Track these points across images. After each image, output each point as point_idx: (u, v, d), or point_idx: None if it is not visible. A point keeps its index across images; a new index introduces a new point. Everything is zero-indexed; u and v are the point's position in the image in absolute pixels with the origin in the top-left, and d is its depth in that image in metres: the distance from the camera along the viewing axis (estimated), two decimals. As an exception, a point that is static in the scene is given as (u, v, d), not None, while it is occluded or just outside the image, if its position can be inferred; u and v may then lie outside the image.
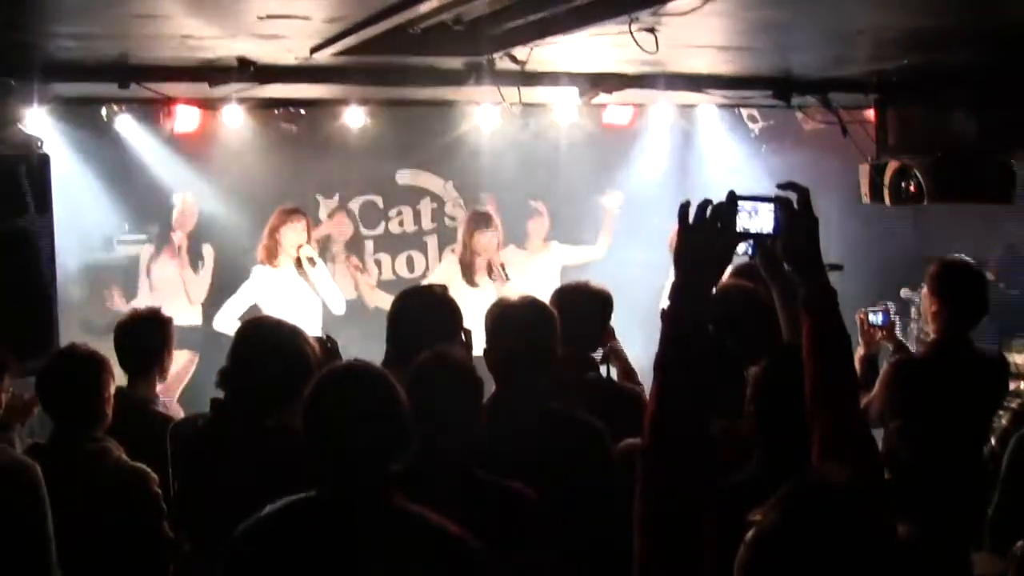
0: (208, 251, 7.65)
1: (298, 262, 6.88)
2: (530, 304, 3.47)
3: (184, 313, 7.21)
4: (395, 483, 2.51)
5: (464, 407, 2.89)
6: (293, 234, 6.88)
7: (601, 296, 3.98)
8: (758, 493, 1.61)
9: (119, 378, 4.11)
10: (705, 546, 1.86)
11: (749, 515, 1.57)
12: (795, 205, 2.22)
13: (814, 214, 2.22)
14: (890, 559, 1.51)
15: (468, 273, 7.20)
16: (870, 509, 1.54)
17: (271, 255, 6.92)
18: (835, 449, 2.07)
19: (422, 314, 3.64)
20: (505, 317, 3.41)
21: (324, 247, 7.58)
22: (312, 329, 6.73)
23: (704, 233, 2.09)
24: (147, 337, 4.40)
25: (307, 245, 6.93)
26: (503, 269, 7.13)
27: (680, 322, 2.03)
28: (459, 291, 7.03)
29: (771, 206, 2.19)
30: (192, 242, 7.62)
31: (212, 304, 7.34)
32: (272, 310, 6.77)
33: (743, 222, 2.16)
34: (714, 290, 2.14)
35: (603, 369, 4.01)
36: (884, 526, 1.54)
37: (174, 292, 7.43)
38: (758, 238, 2.22)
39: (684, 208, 2.11)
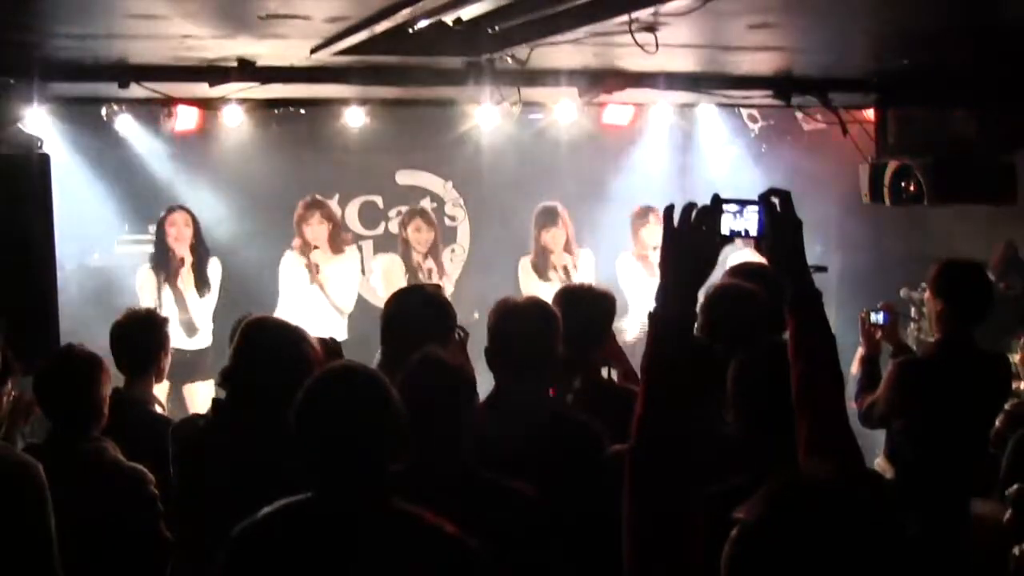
0: (215, 265, 7.02)
1: (312, 267, 7.09)
2: (533, 305, 3.51)
3: (190, 337, 6.85)
4: (393, 484, 2.51)
5: (456, 408, 2.89)
6: (310, 228, 7.11)
7: (605, 298, 3.98)
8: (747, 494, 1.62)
9: (116, 379, 4.11)
10: (693, 546, 1.86)
11: (734, 512, 1.57)
12: (778, 207, 2.23)
13: (797, 215, 2.24)
14: (875, 553, 1.52)
15: (541, 270, 7.42)
16: (854, 504, 1.55)
17: (300, 247, 7.15)
18: (820, 447, 2.09)
19: (415, 314, 3.64)
20: (508, 317, 3.43)
21: (405, 255, 7.49)
22: (332, 324, 6.91)
23: (689, 235, 2.10)
24: (143, 338, 4.40)
25: (317, 250, 7.09)
26: (567, 271, 7.33)
27: (666, 324, 2.04)
28: (533, 288, 7.21)
29: (756, 208, 2.22)
30: (197, 259, 6.90)
31: (222, 321, 6.87)
32: (291, 298, 7.06)
33: (728, 224, 2.18)
34: (709, 291, 2.15)
35: (604, 371, 4.01)
36: (869, 521, 1.54)
37: (173, 317, 6.46)
38: (743, 239, 2.24)
39: (669, 211, 2.12)
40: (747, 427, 2.69)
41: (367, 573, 2.43)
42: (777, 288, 3.53)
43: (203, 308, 6.95)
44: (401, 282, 7.12)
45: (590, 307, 3.89)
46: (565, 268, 7.36)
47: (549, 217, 7.42)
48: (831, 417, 2.15)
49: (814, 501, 1.54)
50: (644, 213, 7.47)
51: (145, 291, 6.86)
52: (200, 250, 6.94)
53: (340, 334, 6.85)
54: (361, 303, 7.42)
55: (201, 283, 6.90)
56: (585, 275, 7.27)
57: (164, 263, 6.86)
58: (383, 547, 2.43)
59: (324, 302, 7.14)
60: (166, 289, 6.83)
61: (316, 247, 7.10)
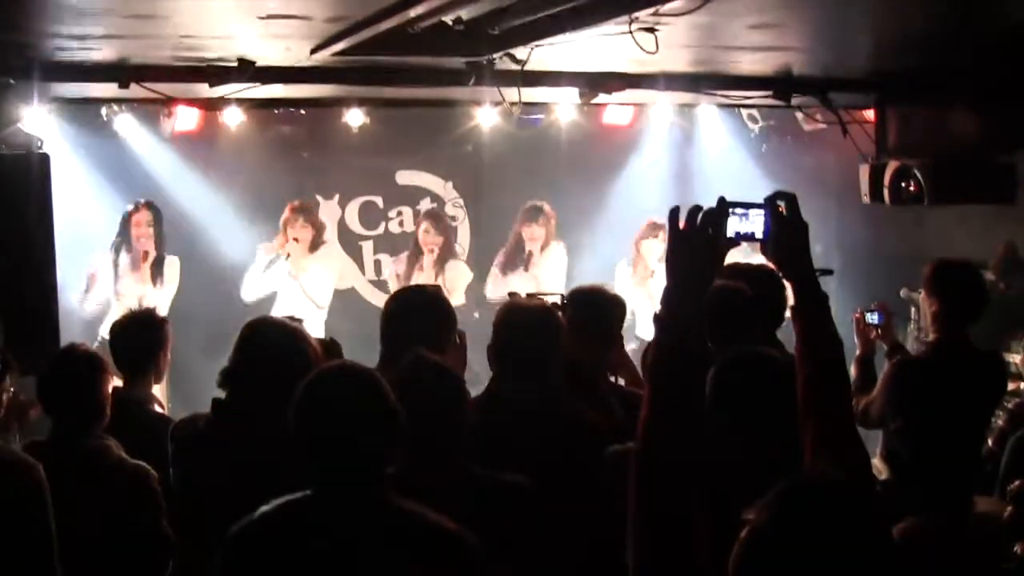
0: (173, 263, 7.24)
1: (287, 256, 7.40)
2: (536, 307, 3.55)
3: None
4: (391, 482, 2.51)
5: (448, 408, 2.90)
6: (293, 230, 7.38)
7: (616, 302, 3.98)
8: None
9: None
10: (699, 547, 1.87)
11: (743, 514, 1.57)
12: (784, 211, 2.23)
13: (803, 219, 2.23)
14: (883, 555, 1.52)
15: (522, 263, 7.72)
16: (863, 506, 1.55)
17: (283, 246, 7.44)
18: (828, 450, 2.09)
19: (414, 314, 3.64)
20: (511, 316, 3.47)
21: (414, 259, 7.72)
22: (309, 318, 6.99)
23: (695, 238, 2.10)
24: (142, 337, 4.40)
25: (292, 242, 7.37)
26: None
27: (672, 326, 2.04)
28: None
29: (761, 211, 2.21)
30: (157, 255, 7.16)
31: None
32: (280, 295, 7.33)
33: (734, 227, 2.18)
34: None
35: (612, 379, 4.00)
36: (877, 523, 1.54)
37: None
38: (749, 242, 2.24)
39: (674, 213, 2.12)
40: (726, 430, 2.69)
41: (367, 571, 2.43)
42: (770, 289, 3.55)
43: (158, 303, 6.93)
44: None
45: (599, 310, 3.89)
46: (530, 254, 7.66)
47: (531, 214, 7.73)
48: (838, 419, 2.15)
49: (822, 503, 1.54)
50: (652, 228, 7.57)
51: (101, 274, 7.10)
52: (160, 247, 7.19)
53: (317, 329, 7.07)
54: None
55: (156, 278, 7.13)
56: (554, 268, 7.56)
57: (126, 255, 7.13)
58: (382, 545, 2.43)
59: (301, 295, 7.36)
60: (123, 280, 7.09)
61: (295, 240, 7.36)
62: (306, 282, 7.44)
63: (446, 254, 7.74)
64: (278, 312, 6.81)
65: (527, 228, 7.72)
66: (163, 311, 6.86)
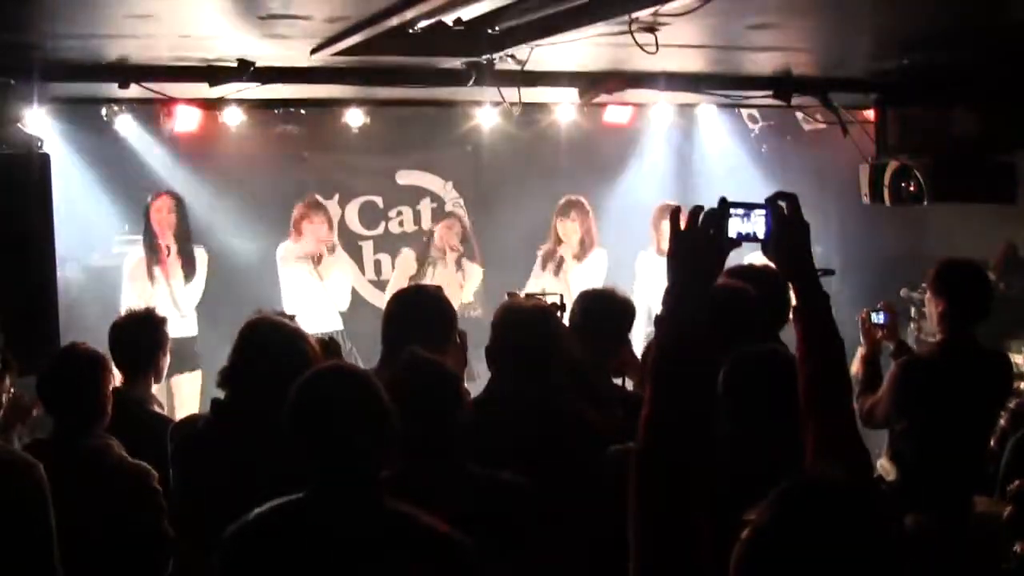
0: (201, 255, 7.17)
1: (314, 258, 7.28)
2: (534, 307, 3.55)
3: (176, 324, 6.66)
4: (386, 483, 2.51)
5: (445, 406, 2.90)
6: (312, 226, 7.31)
7: (625, 305, 3.97)
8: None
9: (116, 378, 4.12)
10: (700, 547, 1.86)
11: (745, 514, 1.57)
12: (785, 211, 2.23)
13: (804, 219, 2.23)
14: (886, 555, 1.52)
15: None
16: (865, 507, 1.55)
17: (298, 242, 7.36)
18: (830, 450, 2.09)
19: (415, 314, 3.64)
20: (509, 316, 3.48)
21: (429, 254, 7.79)
22: (331, 319, 7.11)
23: (696, 238, 2.10)
24: (142, 337, 4.41)
25: (319, 244, 7.31)
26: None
27: (673, 326, 2.04)
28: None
29: (763, 212, 2.21)
30: (182, 245, 7.04)
31: (208, 311, 7.11)
32: (293, 290, 7.25)
33: (735, 227, 2.18)
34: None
35: (618, 380, 4.00)
36: (880, 523, 1.54)
37: (161, 302, 6.53)
38: (750, 243, 2.24)
39: (676, 213, 2.12)
40: (736, 430, 2.69)
41: (361, 573, 2.43)
42: (773, 290, 3.55)
43: (188, 294, 7.05)
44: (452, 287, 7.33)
45: (608, 313, 3.89)
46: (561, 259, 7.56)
47: (566, 209, 7.64)
48: (839, 419, 2.15)
49: (824, 503, 1.54)
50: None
51: (135, 275, 7.00)
52: (184, 236, 7.07)
53: (336, 326, 7.24)
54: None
55: (187, 269, 7.03)
56: (590, 279, 7.35)
57: (153, 248, 7.01)
58: (376, 548, 2.43)
59: (324, 296, 7.30)
60: (155, 273, 6.98)
61: (320, 240, 7.29)
62: (329, 284, 7.37)
63: (465, 254, 7.76)
64: (309, 316, 6.53)
65: (560, 224, 7.62)
66: (193, 304, 7.04)
